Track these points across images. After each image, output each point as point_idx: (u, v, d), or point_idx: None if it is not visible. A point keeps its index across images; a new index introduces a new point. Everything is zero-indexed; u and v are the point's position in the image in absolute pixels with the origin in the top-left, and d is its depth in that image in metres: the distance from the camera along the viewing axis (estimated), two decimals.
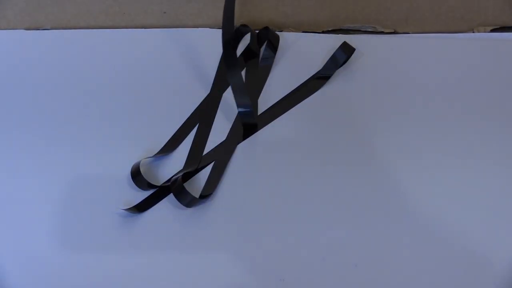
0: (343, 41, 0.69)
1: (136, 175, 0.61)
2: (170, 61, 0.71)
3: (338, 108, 0.66)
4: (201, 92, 0.68)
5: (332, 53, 0.69)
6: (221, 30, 0.72)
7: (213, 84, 0.70)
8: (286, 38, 0.73)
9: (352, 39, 0.70)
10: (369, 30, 0.74)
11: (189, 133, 0.66)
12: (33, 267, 0.57)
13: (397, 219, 0.58)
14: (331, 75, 0.68)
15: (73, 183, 0.62)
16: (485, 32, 0.72)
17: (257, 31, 0.73)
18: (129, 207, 0.59)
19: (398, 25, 0.73)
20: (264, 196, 0.60)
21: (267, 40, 0.71)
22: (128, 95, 0.68)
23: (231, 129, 0.66)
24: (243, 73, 0.70)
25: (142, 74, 0.70)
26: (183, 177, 0.61)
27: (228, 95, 0.68)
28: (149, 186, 0.61)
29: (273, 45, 0.71)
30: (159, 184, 0.61)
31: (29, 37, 0.74)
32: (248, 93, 0.68)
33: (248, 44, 0.71)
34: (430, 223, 0.58)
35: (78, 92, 0.69)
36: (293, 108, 0.67)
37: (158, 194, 0.61)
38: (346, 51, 0.69)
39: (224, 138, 0.65)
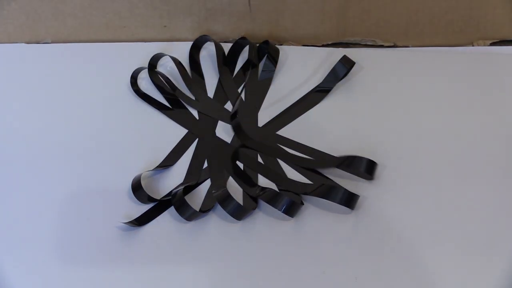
0: (343, 54, 0.70)
1: (137, 189, 0.61)
2: (171, 73, 0.71)
3: (338, 121, 0.66)
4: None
5: (332, 66, 0.69)
6: (220, 43, 0.73)
7: (213, 97, 0.70)
8: (286, 51, 0.73)
9: (352, 53, 0.70)
10: (369, 43, 0.74)
11: (189, 146, 0.66)
12: (33, 279, 0.57)
13: (396, 231, 0.58)
14: (331, 88, 0.68)
15: (74, 196, 0.62)
16: (484, 45, 0.73)
17: (257, 45, 0.73)
18: (129, 220, 0.59)
19: (398, 39, 0.73)
20: (264, 210, 0.60)
21: (267, 53, 0.71)
22: (129, 108, 0.68)
23: (231, 141, 0.66)
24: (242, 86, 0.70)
25: (142, 87, 0.70)
26: (183, 191, 0.61)
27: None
28: (150, 199, 0.61)
29: (273, 59, 0.71)
30: (159, 198, 0.61)
31: (29, 51, 0.75)
32: (249, 107, 0.68)
33: (248, 57, 0.71)
34: (428, 236, 0.58)
35: (79, 105, 0.69)
36: (293, 121, 0.67)
37: (158, 207, 0.61)
38: (346, 65, 0.69)
39: None
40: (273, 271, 0.56)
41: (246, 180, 0.62)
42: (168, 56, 0.71)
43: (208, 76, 0.72)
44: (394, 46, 0.74)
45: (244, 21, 0.73)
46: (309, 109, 0.68)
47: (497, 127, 0.64)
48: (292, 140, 0.65)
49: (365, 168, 0.61)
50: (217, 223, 0.60)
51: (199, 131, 0.67)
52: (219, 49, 0.73)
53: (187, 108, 0.69)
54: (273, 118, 0.67)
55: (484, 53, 0.72)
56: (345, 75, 0.69)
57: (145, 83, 0.71)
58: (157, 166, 0.63)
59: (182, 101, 0.69)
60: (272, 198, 0.59)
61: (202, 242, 0.58)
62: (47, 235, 0.59)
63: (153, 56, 0.71)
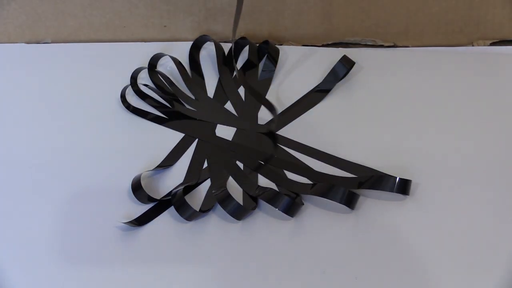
0: (343, 54, 0.70)
1: (137, 189, 0.61)
2: (170, 73, 0.71)
3: (338, 121, 0.66)
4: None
5: (332, 66, 0.69)
6: (220, 42, 0.73)
7: (213, 97, 0.70)
8: (286, 51, 0.73)
9: (352, 53, 0.70)
10: (369, 43, 0.74)
11: (189, 146, 0.66)
12: (33, 279, 0.57)
13: (396, 231, 0.58)
14: (331, 88, 0.68)
15: (74, 196, 0.62)
16: (484, 45, 0.73)
17: (257, 45, 0.73)
18: (129, 220, 0.59)
19: (398, 39, 0.73)
20: (264, 210, 0.60)
21: (267, 53, 0.72)
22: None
23: (231, 141, 0.66)
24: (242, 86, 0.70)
25: (142, 87, 0.70)
26: (183, 191, 0.61)
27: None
28: (150, 199, 0.61)
29: (273, 59, 0.71)
30: (159, 198, 0.61)
31: (29, 51, 0.75)
32: (249, 107, 0.68)
33: (248, 56, 0.71)
34: (429, 236, 0.58)
35: (79, 105, 0.69)
36: (293, 121, 0.67)
37: (158, 207, 0.61)
38: (346, 65, 0.69)
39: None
40: (273, 271, 0.56)
41: (246, 180, 0.62)
42: (168, 56, 0.72)
43: (208, 76, 0.72)
44: (394, 46, 0.74)
45: (244, 21, 0.73)
46: (309, 109, 0.68)
47: (497, 127, 0.64)
48: (292, 141, 0.65)
49: (397, 188, 0.59)
50: (217, 223, 0.60)
51: (199, 131, 0.67)
52: (219, 49, 0.73)
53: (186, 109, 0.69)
54: (273, 118, 0.67)
55: (484, 53, 0.72)
56: (345, 75, 0.69)
57: (145, 83, 0.71)
58: (157, 166, 0.63)
59: (182, 101, 0.69)
60: (272, 198, 0.59)
61: (202, 242, 0.58)
62: (47, 235, 0.59)
63: (153, 56, 0.71)
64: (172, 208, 0.60)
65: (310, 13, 0.73)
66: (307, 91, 0.69)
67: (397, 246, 0.57)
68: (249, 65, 0.71)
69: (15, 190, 0.63)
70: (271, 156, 0.64)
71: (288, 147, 0.65)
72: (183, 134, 0.66)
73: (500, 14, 0.71)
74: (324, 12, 0.72)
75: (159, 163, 0.64)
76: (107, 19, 0.75)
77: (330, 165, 0.63)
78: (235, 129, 0.67)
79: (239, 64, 0.72)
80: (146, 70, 0.71)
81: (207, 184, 0.63)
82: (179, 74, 0.71)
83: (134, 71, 0.71)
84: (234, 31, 0.66)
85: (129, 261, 0.58)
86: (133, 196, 0.61)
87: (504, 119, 0.65)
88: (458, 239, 0.57)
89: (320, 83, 0.69)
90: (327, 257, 0.57)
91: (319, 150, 0.64)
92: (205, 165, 0.64)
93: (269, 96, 0.69)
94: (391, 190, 0.59)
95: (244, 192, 0.61)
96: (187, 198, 0.60)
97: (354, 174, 0.62)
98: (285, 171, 0.63)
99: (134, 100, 0.69)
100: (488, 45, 0.73)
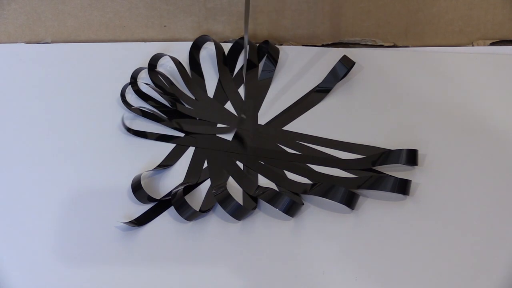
0: (343, 54, 0.70)
1: (137, 189, 0.61)
2: (170, 73, 0.71)
3: (338, 121, 0.66)
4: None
5: (332, 66, 0.69)
6: (220, 42, 0.73)
7: (213, 97, 0.70)
8: (286, 51, 0.73)
9: (352, 53, 0.70)
10: (369, 43, 0.74)
11: (189, 146, 0.65)
12: (33, 279, 0.57)
13: (396, 231, 0.58)
14: (331, 88, 0.68)
15: (74, 196, 0.62)
16: (484, 45, 0.73)
17: (257, 45, 0.73)
18: (129, 220, 0.59)
19: (398, 39, 0.73)
20: (264, 210, 0.60)
21: (267, 53, 0.72)
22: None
23: (231, 141, 0.66)
24: (242, 86, 0.70)
25: (142, 87, 0.70)
26: (183, 191, 0.61)
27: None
28: (150, 199, 0.61)
29: (273, 59, 0.71)
30: (159, 198, 0.61)
31: (29, 51, 0.75)
32: (248, 106, 0.68)
33: (248, 56, 0.71)
34: (429, 236, 0.58)
35: (78, 105, 0.69)
36: (293, 121, 0.67)
37: (158, 207, 0.61)
38: (346, 64, 0.69)
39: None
40: (273, 271, 0.56)
41: (246, 180, 0.62)
42: (168, 56, 0.72)
43: (208, 76, 0.72)
44: (394, 46, 0.74)
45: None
46: (309, 109, 0.68)
47: (497, 127, 0.64)
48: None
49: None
50: (217, 223, 0.60)
51: (199, 130, 0.67)
52: (219, 49, 0.73)
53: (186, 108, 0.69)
54: (272, 118, 0.67)
55: (484, 53, 0.72)
56: (345, 75, 0.69)
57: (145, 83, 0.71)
58: (157, 166, 0.63)
59: (182, 101, 0.69)
60: (272, 198, 0.59)
61: (202, 242, 0.58)
62: (47, 235, 0.59)
63: (153, 56, 0.71)
64: (172, 208, 0.60)
65: (310, 13, 0.73)
66: (307, 91, 0.69)
67: (397, 246, 0.57)
68: (249, 65, 0.71)
69: (15, 190, 0.63)
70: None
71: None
72: (183, 134, 0.66)
73: (500, 14, 0.71)
74: (324, 12, 0.72)
75: (159, 163, 0.64)
76: (107, 19, 0.75)
77: (330, 164, 0.63)
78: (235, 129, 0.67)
79: (239, 64, 0.72)
80: (146, 70, 0.71)
81: (207, 184, 0.63)
82: (179, 74, 0.71)
83: (134, 71, 0.71)
84: (246, 30, 0.67)
85: (129, 261, 0.58)
86: (133, 196, 0.61)
87: (504, 119, 0.65)
88: (458, 239, 0.57)
89: (320, 83, 0.69)
90: (327, 257, 0.57)
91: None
92: (205, 165, 0.64)
93: (269, 96, 0.69)
94: (391, 190, 0.59)
95: (244, 192, 0.61)
96: (187, 198, 0.60)
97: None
98: (285, 171, 0.63)
99: (133, 99, 0.69)
100: (488, 45, 0.73)
